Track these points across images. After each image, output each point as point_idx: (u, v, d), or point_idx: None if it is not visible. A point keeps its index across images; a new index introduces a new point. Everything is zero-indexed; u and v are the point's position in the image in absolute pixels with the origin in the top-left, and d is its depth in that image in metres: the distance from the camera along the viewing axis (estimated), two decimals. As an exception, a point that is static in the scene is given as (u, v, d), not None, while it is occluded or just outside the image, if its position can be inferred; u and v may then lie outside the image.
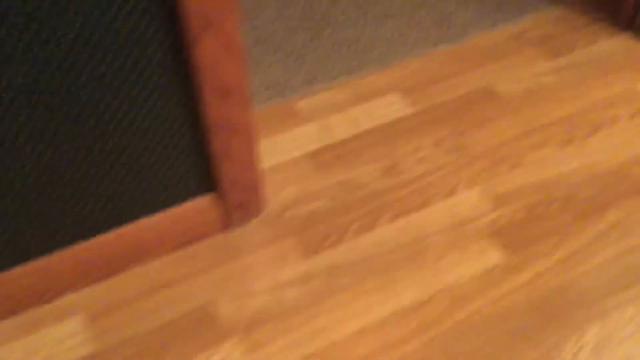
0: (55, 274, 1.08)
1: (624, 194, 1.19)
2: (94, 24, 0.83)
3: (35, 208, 1.00)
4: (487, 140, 1.32)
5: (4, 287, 1.05)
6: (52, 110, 0.89)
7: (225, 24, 0.90)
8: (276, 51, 1.59)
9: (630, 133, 1.30)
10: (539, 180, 1.23)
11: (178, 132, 1.03)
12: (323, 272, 1.12)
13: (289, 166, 1.31)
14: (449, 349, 1.01)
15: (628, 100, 1.37)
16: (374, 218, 1.20)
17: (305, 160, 1.32)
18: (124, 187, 1.05)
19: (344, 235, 1.17)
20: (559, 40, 1.55)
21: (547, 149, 1.29)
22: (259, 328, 1.05)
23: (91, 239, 1.09)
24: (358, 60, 1.54)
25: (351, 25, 1.66)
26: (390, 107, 1.41)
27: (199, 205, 1.14)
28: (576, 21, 1.61)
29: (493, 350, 1.01)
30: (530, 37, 1.57)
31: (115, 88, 0.92)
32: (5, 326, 1.06)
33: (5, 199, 0.96)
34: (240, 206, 1.17)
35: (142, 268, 1.14)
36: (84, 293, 1.10)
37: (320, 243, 1.16)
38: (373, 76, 1.50)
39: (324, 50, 1.58)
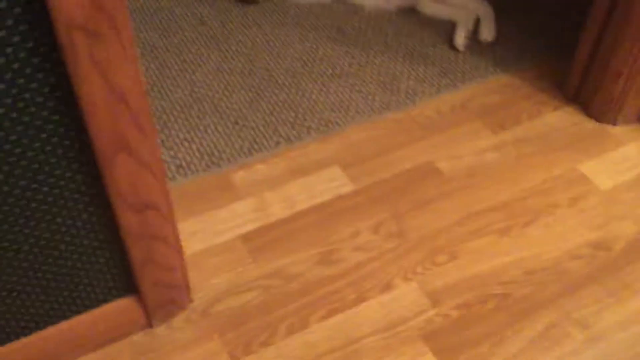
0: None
1: (560, 293, 1.18)
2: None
3: None
4: (426, 226, 1.28)
5: None
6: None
7: (141, 146, 0.83)
8: (214, 112, 1.52)
9: (568, 223, 1.28)
10: (476, 274, 1.21)
11: (97, 241, 0.96)
12: (250, 378, 1.07)
13: (222, 250, 1.25)
14: None
15: (568, 183, 1.36)
16: (306, 314, 1.15)
17: (239, 243, 1.26)
18: (43, 293, 0.98)
19: (274, 335, 1.12)
20: (503, 112, 1.53)
21: (485, 238, 1.26)
22: None
23: (9, 344, 1.02)
24: (299, 127, 1.49)
25: (294, 85, 1.60)
26: (329, 184, 1.36)
27: (121, 306, 1.07)
28: (522, 90, 1.59)
29: None
30: (474, 106, 1.54)
31: (33, 208, 0.84)
32: None
33: None
34: (163, 305, 1.10)
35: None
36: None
37: (248, 344, 1.11)
38: (314, 145, 1.45)
39: (264, 113, 1.52)
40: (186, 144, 1.45)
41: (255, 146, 1.44)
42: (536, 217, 1.30)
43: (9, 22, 0.67)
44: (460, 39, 1.68)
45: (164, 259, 1.02)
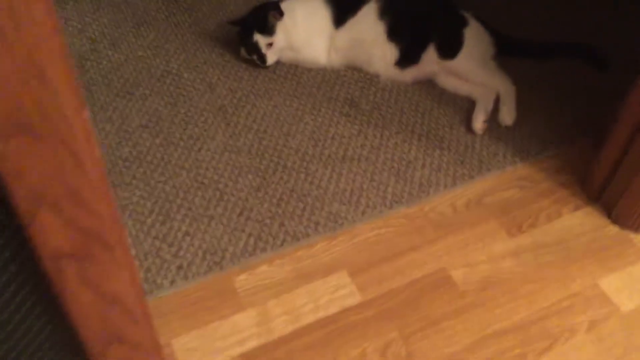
0: None
1: None
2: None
3: None
4: (436, 349, 1.22)
5: None
6: None
7: (136, 334, 0.77)
8: (219, 201, 1.46)
9: (585, 354, 1.22)
10: (487, 411, 1.15)
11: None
12: None
13: (221, 369, 1.19)
14: None
15: (587, 303, 1.29)
16: None
17: (239, 362, 1.21)
18: None
19: None
20: (520, 211, 1.46)
21: (498, 368, 1.20)
22: None
23: None
24: (306, 222, 1.42)
25: (303, 169, 1.54)
26: (335, 293, 1.30)
27: None
28: (541, 184, 1.52)
29: None
30: (491, 203, 1.48)
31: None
32: None
33: None
34: None
35: None
36: None
37: None
38: (321, 244, 1.39)
39: (270, 204, 1.46)
40: (188, 239, 1.39)
41: (260, 244, 1.38)
42: (552, 344, 1.23)
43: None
44: (478, 123, 1.61)
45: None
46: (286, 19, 1.75)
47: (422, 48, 1.73)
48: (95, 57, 1.82)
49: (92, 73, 1.77)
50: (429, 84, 1.76)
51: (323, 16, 1.79)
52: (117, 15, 1.98)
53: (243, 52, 1.82)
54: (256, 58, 1.76)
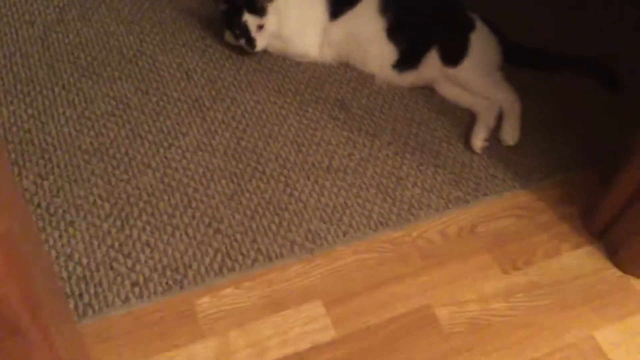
0: None
1: None
2: None
3: None
4: (413, 400, 1.11)
5: None
6: None
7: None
8: (186, 207, 1.31)
9: (578, 418, 1.11)
10: None
11: None
12: None
13: (171, 407, 1.06)
14: None
15: (581, 357, 1.18)
16: None
17: (193, 399, 1.07)
18: None
19: None
20: (516, 244, 1.33)
21: None
22: None
23: None
24: (281, 240, 1.28)
25: (283, 178, 1.39)
26: (307, 325, 1.17)
27: None
28: (541, 215, 1.39)
29: None
30: (485, 232, 1.34)
31: None
32: None
33: None
34: None
35: None
36: None
37: None
38: (296, 267, 1.25)
39: (243, 215, 1.31)
40: (147, 250, 1.24)
41: (229, 263, 1.24)
42: (541, 403, 1.12)
43: None
44: (478, 141, 1.47)
45: None
46: (279, 1, 1.58)
47: (423, 50, 1.57)
48: (62, 29, 1.63)
49: (57, 48, 1.59)
50: (427, 91, 1.61)
51: (318, 5, 1.62)
52: (91, -18, 1.79)
53: (228, 36, 1.65)
54: (244, 42, 1.59)
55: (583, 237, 1.36)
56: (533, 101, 1.58)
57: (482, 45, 1.59)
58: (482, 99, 1.55)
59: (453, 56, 1.56)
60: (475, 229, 1.35)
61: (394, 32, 1.57)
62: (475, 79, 1.56)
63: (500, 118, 1.53)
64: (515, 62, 1.64)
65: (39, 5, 1.69)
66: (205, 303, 1.18)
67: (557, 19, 1.84)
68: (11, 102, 1.45)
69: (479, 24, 1.61)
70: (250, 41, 1.58)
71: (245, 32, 1.58)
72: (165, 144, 1.42)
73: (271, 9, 1.58)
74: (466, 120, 1.55)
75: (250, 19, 1.57)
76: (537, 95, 1.61)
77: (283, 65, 1.64)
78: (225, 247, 1.26)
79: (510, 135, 1.50)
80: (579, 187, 1.44)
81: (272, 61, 1.64)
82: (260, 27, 1.58)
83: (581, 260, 1.32)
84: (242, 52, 1.63)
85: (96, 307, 1.15)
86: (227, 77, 1.59)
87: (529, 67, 1.66)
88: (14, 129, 1.41)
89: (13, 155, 1.35)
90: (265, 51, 1.64)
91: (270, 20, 1.58)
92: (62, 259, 1.21)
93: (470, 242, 1.33)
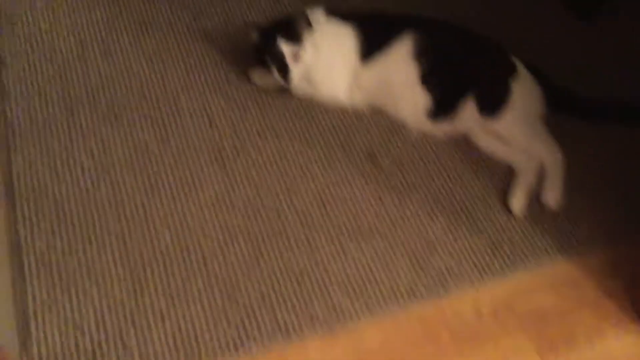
0: None
1: None
2: None
3: None
4: None
5: None
6: None
7: None
8: (201, 274, 1.24)
9: None
10: None
11: None
12: None
13: None
14: None
15: None
16: None
17: None
18: None
19: None
20: (556, 324, 1.23)
21: None
22: None
23: None
24: (301, 313, 1.20)
25: (305, 240, 1.30)
26: (326, 414, 1.10)
27: None
28: (584, 290, 1.28)
29: None
30: (522, 309, 1.24)
31: None
32: None
33: None
34: None
35: None
36: None
37: None
38: (315, 344, 1.17)
39: (262, 283, 1.23)
40: (160, 322, 1.17)
41: (244, 337, 1.16)
42: None
43: None
44: (517, 202, 1.36)
45: None
46: (316, 33, 1.48)
47: (459, 99, 1.47)
48: (82, 67, 1.57)
49: (77, 89, 1.52)
50: (463, 142, 1.50)
51: (349, 46, 1.52)
52: (113, 14, 1.71)
53: (256, 76, 1.56)
54: (277, 73, 1.48)
55: (629, 317, 1.25)
56: (578, 157, 1.46)
57: (524, 93, 1.47)
58: (522, 154, 1.44)
59: (491, 106, 1.45)
60: (512, 305, 1.25)
61: (428, 78, 1.47)
62: (515, 132, 1.45)
63: (542, 176, 1.42)
64: (563, 111, 1.52)
65: (61, 40, 1.62)
66: (217, 384, 1.12)
67: (619, 64, 1.70)
68: (27, 149, 1.40)
69: (522, 70, 1.49)
70: (285, 70, 1.47)
71: (279, 60, 1.47)
72: (183, 198, 1.35)
73: (308, 36, 1.47)
74: (505, 176, 1.44)
75: (285, 46, 1.46)
76: (584, 149, 1.49)
77: (310, 110, 1.54)
78: (242, 320, 1.18)
79: (552, 196, 1.39)
80: (628, 259, 1.32)
81: (299, 105, 1.55)
82: (296, 56, 1.48)
83: (626, 345, 1.21)
84: (269, 93, 1.55)
85: (104, 385, 1.10)
86: (251, 122, 1.51)
87: (578, 117, 1.53)
88: (28, 179, 1.35)
89: (27, 212, 1.29)
90: (292, 95, 1.55)
91: (307, 50, 1.48)
92: (69, 326, 1.16)
93: (505, 321, 1.23)
